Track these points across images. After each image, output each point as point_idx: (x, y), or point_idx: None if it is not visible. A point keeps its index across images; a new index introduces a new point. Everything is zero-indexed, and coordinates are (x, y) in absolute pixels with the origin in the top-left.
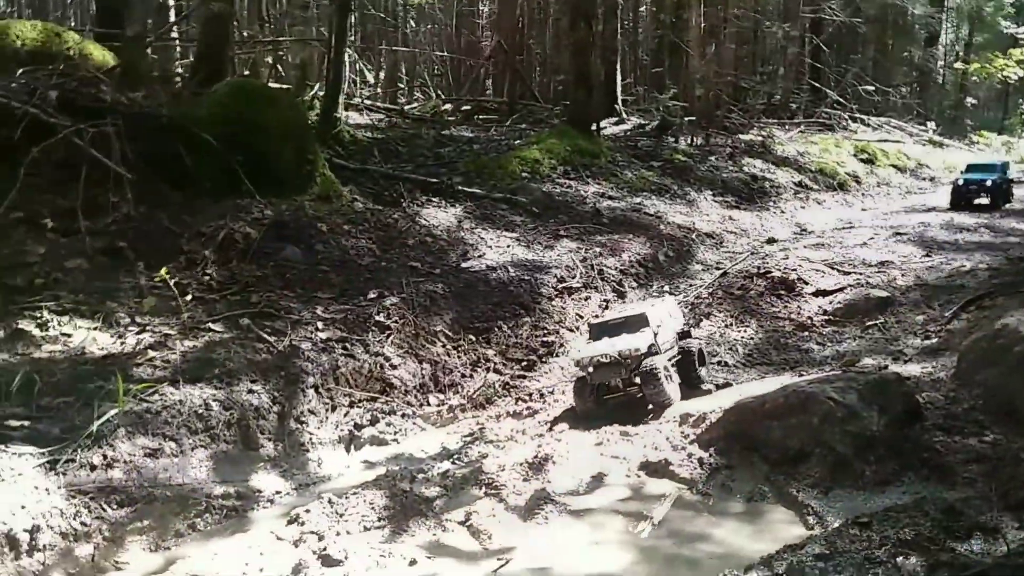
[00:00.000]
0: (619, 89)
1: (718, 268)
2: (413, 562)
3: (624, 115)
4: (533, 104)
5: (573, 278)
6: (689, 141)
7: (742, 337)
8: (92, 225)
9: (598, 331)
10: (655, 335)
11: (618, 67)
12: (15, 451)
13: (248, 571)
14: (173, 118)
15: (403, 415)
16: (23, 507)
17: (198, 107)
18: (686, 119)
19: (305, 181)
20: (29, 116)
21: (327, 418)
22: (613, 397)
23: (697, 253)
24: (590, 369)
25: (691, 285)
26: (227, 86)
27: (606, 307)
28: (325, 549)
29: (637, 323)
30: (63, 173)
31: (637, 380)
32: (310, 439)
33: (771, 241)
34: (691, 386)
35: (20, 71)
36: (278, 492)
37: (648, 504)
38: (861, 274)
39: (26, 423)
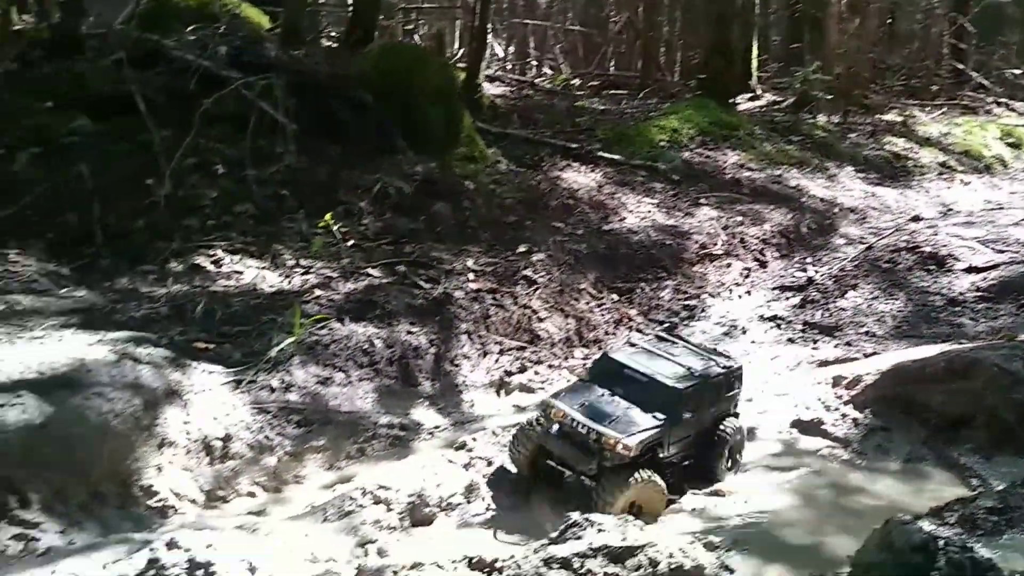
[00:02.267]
0: (755, 64)
1: (862, 242)
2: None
3: (758, 91)
4: (663, 78)
5: (714, 245)
6: (828, 118)
7: (890, 309)
8: (258, 173)
9: (605, 373)
10: (670, 426)
11: (755, 42)
12: (205, 369)
13: (426, 486)
14: (332, 76)
15: (549, 366)
16: (215, 418)
17: (354, 67)
18: (825, 95)
19: (452, 141)
20: (201, 69)
21: (479, 363)
22: (555, 470)
23: (840, 227)
24: (553, 429)
25: (834, 257)
26: (381, 47)
27: (747, 275)
28: (494, 474)
29: (663, 395)
30: (232, 124)
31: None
32: (463, 381)
33: (916, 219)
34: (699, 478)
35: (189, 28)
36: (437, 426)
37: (801, 458)
38: (1016, 252)
39: (211, 346)
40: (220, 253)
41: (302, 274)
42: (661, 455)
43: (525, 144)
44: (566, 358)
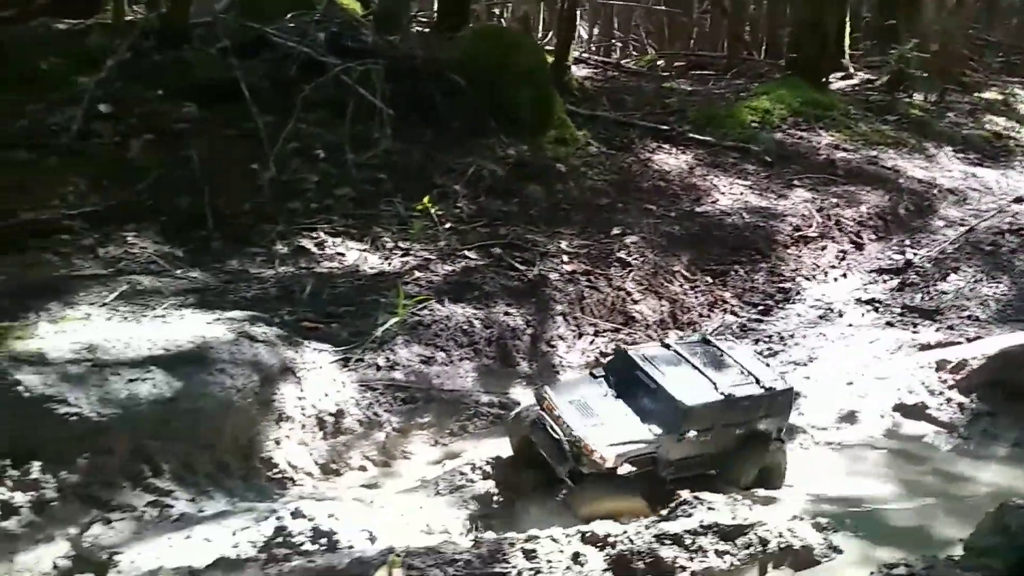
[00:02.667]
0: (847, 43)
1: (963, 224)
2: None
3: (851, 69)
4: (750, 58)
5: (809, 227)
6: (924, 97)
7: (993, 293)
8: (356, 158)
9: (619, 370)
10: (667, 443)
11: (847, 19)
12: (315, 347)
13: None
14: (426, 61)
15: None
16: (326, 395)
17: (448, 51)
18: (921, 74)
19: (543, 124)
20: (302, 56)
21: (574, 344)
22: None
23: (939, 208)
24: (539, 421)
25: (933, 240)
26: (474, 31)
27: (843, 258)
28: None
29: (667, 408)
30: (330, 110)
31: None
32: (559, 362)
33: (1020, 200)
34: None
35: (289, 15)
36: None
37: (904, 443)
38: None
39: (319, 325)
40: (323, 235)
41: (401, 256)
42: (660, 472)
43: (615, 126)
44: (661, 340)
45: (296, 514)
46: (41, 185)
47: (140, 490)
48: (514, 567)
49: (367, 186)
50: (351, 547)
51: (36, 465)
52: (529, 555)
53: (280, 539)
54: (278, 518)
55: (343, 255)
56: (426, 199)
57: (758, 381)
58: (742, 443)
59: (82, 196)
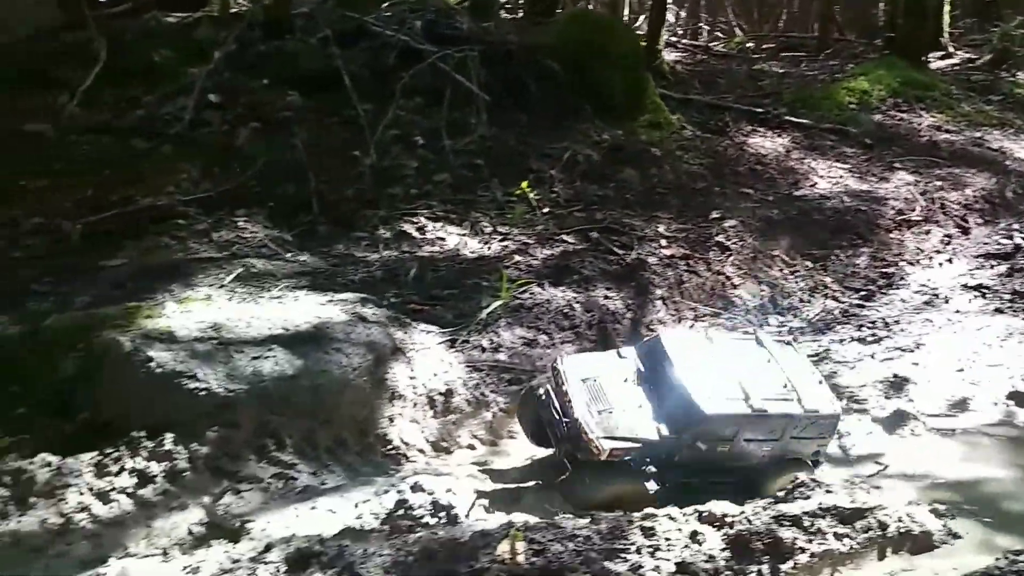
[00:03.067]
0: (946, 21)
1: None
2: None
3: (950, 48)
4: (844, 39)
5: (912, 211)
6: None
7: None
8: (454, 144)
9: (648, 356)
10: (672, 447)
11: None
12: (422, 328)
13: None
14: (521, 46)
15: (744, 332)
16: (435, 375)
17: (542, 36)
18: None
19: (637, 108)
20: (400, 44)
21: (674, 328)
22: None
23: None
24: (542, 393)
25: None
26: (567, 16)
27: (948, 242)
28: None
29: (683, 410)
30: (427, 97)
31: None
32: None
33: None
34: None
35: (385, 4)
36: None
37: (1021, 431)
38: None
39: (424, 307)
40: (423, 220)
41: (500, 240)
42: (663, 475)
43: (708, 109)
44: (761, 325)
45: (416, 488)
46: (157, 173)
47: (265, 463)
48: (633, 544)
49: (464, 172)
50: (470, 521)
51: (169, 437)
52: (647, 533)
53: (401, 512)
54: (399, 492)
55: (443, 239)
56: (524, 184)
57: (800, 400)
58: (768, 462)
59: (195, 183)
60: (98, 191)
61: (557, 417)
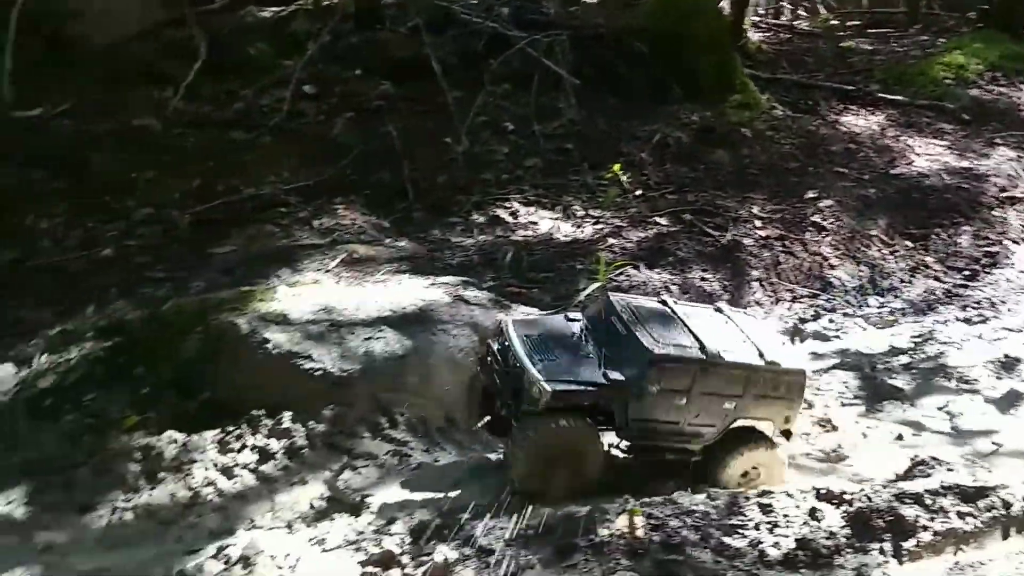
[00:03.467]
0: None
1: None
2: (899, 437)
3: None
4: (933, 13)
5: (1016, 187)
6: None
7: None
8: (543, 128)
9: (597, 315)
10: (625, 393)
11: None
12: (522, 311)
13: None
14: (609, 30)
15: (844, 314)
16: None
17: (630, 19)
18: None
19: (726, 89)
20: (489, 31)
21: (771, 310)
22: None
23: None
24: (491, 353)
25: None
26: None
27: None
28: (819, 415)
29: (634, 355)
30: (515, 82)
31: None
32: None
33: None
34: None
35: None
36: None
37: None
38: None
39: (522, 290)
40: (515, 205)
41: (593, 223)
42: (619, 431)
43: (797, 89)
44: (860, 306)
45: None
46: (258, 163)
47: (379, 440)
48: (751, 520)
49: (554, 156)
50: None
51: (287, 415)
52: (765, 509)
53: None
54: None
55: (536, 224)
56: (616, 166)
57: (761, 353)
58: (730, 431)
59: (294, 172)
60: (204, 182)
61: (499, 368)
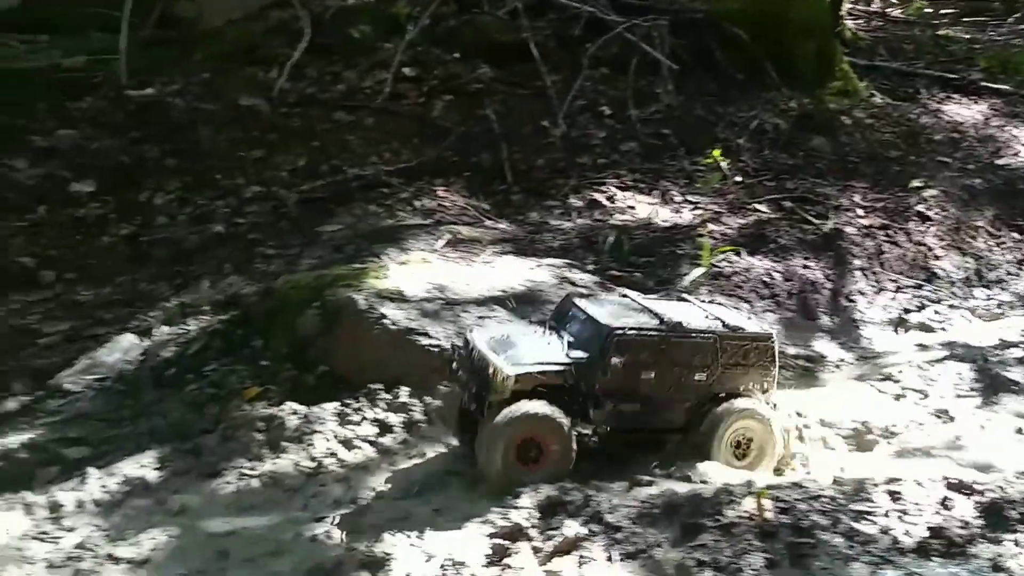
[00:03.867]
0: None
1: None
2: (1019, 430)
3: None
4: None
5: None
6: None
7: None
8: (640, 113)
9: (558, 315)
10: (589, 369)
11: None
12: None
13: (868, 415)
14: (707, 14)
15: (949, 305)
16: None
17: (728, 3)
18: None
19: (823, 75)
20: (586, 15)
21: (874, 300)
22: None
23: None
24: (458, 355)
25: None
26: None
27: None
28: (935, 405)
29: (592, 334)
30: (612, 66)
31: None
32: (860, 317)
33: None
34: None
35: None
36: (841, 359)
37: None
38: None
39: (623, 274)
40: (613, 189)
41: (691, 209)
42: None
43: (896, 76)
44: (965, 298)
45: None
46: (361, 144)
47: None
48: (880, 507)
49: (651, 141)
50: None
51: (404, 390)
52: (894, 496)
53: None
54: None
55: (633, 208)
56: (716, 152)
57: (724, 323)
58: (712, 403)
59: (395, 153)
60: (309, 161)
61: (467, 366)
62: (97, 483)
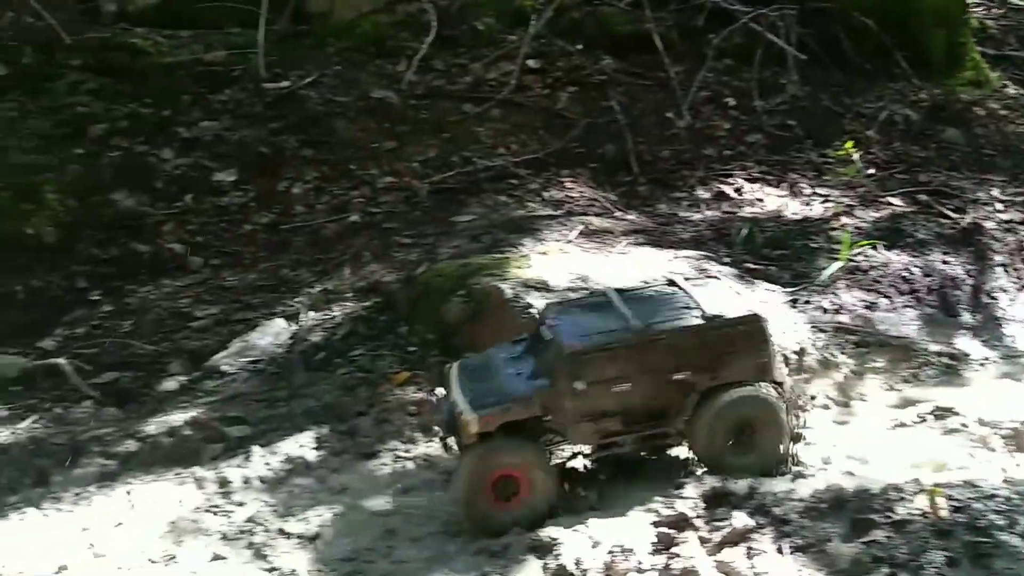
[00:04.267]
0: None
1: None
2: None
3: None
4: None
5: None
6: None
7: None
8: (765, 104)
9: (535, 328)
10: (552, 397)
11: None
12: (764, 287)
13: (1016, 413)
14: (834, 3)
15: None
16: (783, 333)
17: None
18: None
19: (954, 65)
20: (709, 5)
21: (1016, 297)
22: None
23: None
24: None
25: None
26: None
27: None
28: None
29: (554, 356)
30: (736, 57)
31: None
32: (1002, 315)
33: None
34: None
35: None
36: (986, 358)
37: None
38: None
39: (758, 267)
40: (740, 181)
41: (821, 202)
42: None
43: None
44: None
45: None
46: (488, 135)
47: None
48: None
49: (777, 132)
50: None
51: None
52: None
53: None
54: None
55: (762, 200)
56: (848, 144)
57: (702, 313)
58: (696, 395)
59: (523, 145)
60: (439, 152)
61: (444, 411)
62: (261, 461)
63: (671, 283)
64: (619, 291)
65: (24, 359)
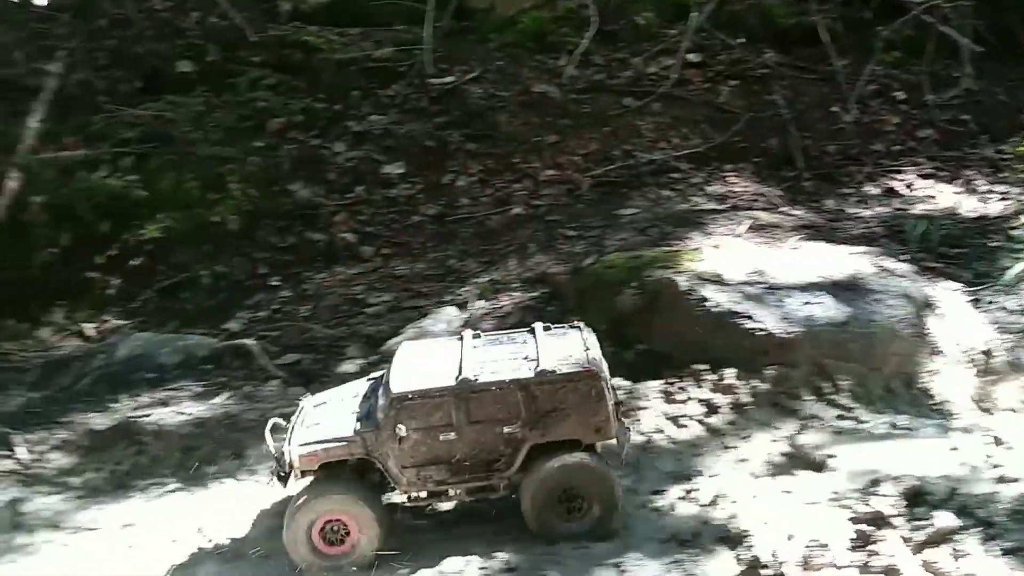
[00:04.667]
0: None
1: None
2: None
3: None
4: None
5: None
6: None
7: None
8: (937, 98)
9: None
10: (375, 439)
11: None
12: (945, 286)
13: None
14: None
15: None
16: (968, 333)
17: None
18: None
19: None
20: None
21: None
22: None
23: None
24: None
25: None
26: None
27: None
28: None
29: (384, 399)
30: (904, 50)
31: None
32: None
33: None
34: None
35: None
36: None
37: None
38: None
39: (937, 265)
40: (910, 177)
41: (999, 199)
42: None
43: None
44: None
45: (999, 441)
46: (649, 129)
47: (824, 404)
48: None
49: (950, 127)
50: None
51: (730, 372)
52: None
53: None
54: (985, 442)
55: (934, 197)
56: None
57: (538, 365)
58: (535, 455)
59: (684, 139)
60: (601, 146)
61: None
62: None
63: (531, 331)
64: (476, 335)
65: (213, 339)
